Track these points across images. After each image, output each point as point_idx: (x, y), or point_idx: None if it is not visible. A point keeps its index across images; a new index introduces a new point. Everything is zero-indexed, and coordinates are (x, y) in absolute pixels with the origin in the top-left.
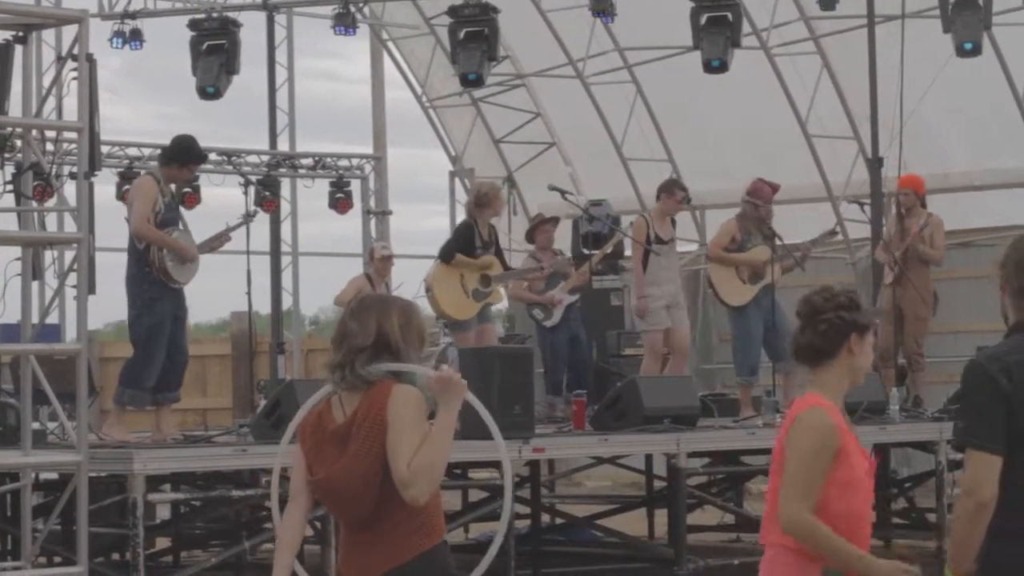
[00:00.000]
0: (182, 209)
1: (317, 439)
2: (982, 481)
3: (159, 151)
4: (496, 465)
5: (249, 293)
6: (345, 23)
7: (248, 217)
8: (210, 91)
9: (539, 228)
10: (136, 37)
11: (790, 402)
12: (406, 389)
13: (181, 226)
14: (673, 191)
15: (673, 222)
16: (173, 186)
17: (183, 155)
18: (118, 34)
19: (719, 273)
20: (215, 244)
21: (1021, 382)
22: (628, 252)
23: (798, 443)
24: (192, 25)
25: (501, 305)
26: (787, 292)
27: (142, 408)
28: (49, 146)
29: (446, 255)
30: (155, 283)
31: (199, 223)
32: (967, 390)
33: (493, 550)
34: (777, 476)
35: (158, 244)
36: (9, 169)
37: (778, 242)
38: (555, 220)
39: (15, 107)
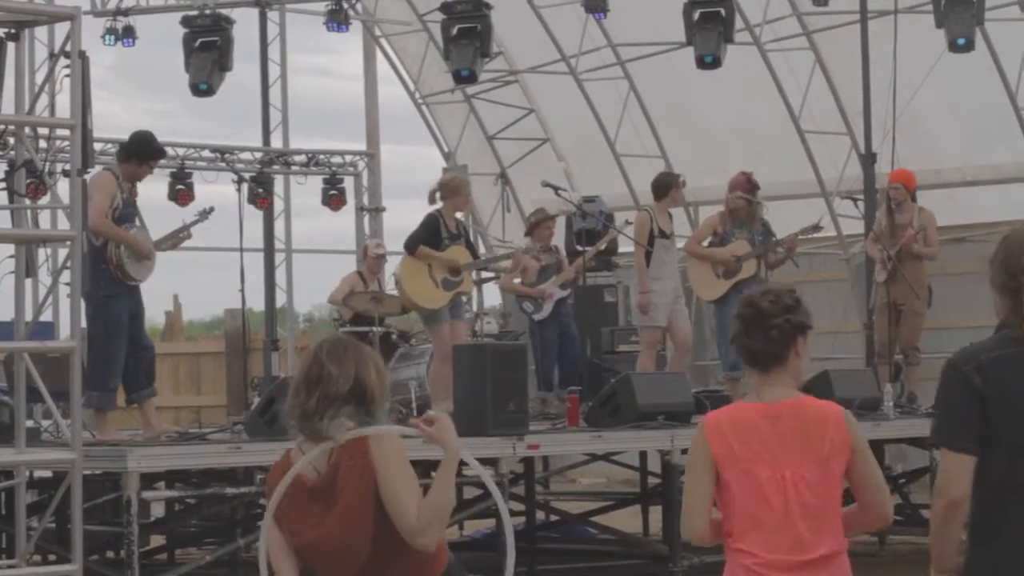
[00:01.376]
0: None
1: (293, 500)
2: (953, 480)
3: (117, 147)
4: (490, 462)
5: (243, 290)
6: (338, 20)
7: (204, 214)
8: (203, 88)
9: (542, 225)
10: (129, 34)
11: None
12: (388, 436)
13: (138, 223)
14: (678, 184)
15: (670, 215)
16: (130, 184)
17: (142, 151)
18: (111, 31)
19: (694, 268)
20: (173, 241)
21: (995, 380)
22: (622, 248)
23: (864, 438)
24: (185, 22)
25: (496, 301)
26: None
27: (111, 408)
28: (42, 143)
29: (410, 246)
30: (112, 280)
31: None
32: (941, 389)
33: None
34: (838, 482)
35: (115, 240)
36: (2, 166)
37: (773, 238)
38: (555, 217)
39: (7, 104)
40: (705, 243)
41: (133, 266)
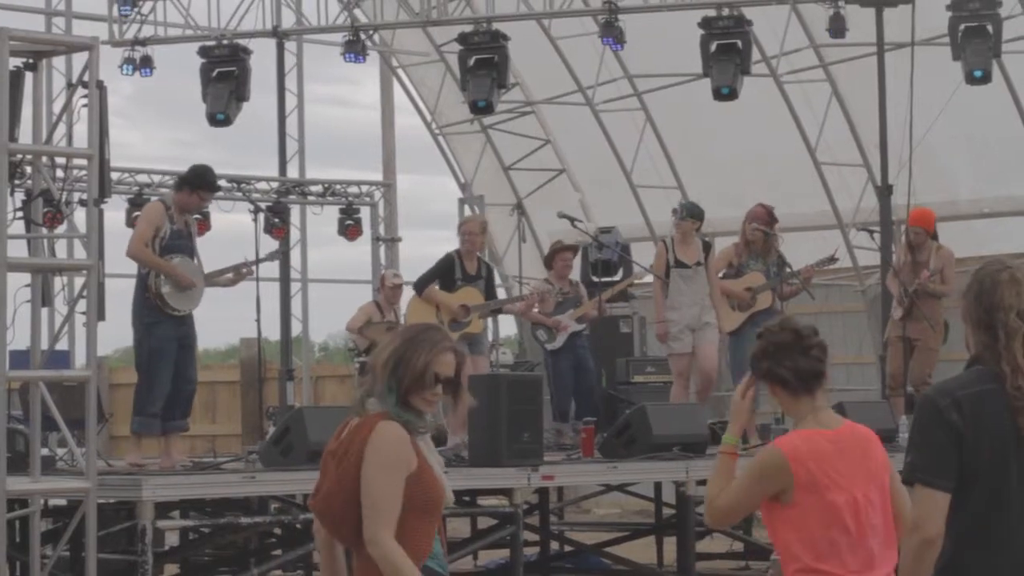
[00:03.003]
0: None
1: (325, 458)
2: (928, 517)
3: (170, 178)
4: (504, 492)
5: (258, 320)
6: (355, 50)
7: (272, 255)
8: (220, 118)
9: (557, 256)
10: (146, 64)
11: None
12: (387, 430)
13: (195, 259)
14: (676, 214)
15: (707, 246)
16: (188, 216)
17: (193, 181)
18: (128, 61)
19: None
20: (235, 276)
21: (972, 416)
22: (639, 280)
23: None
24: (202, 52)
25: (511, 331)
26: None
27: (152, 435)
28: (59, 172)
29: (418, 287)
30: (153, 308)
31: (209, 249)
32: (916, 424)
33: None
34: (888, 501)
35: (150, 267)
36: (19, 196)
37: (788, 269)
38: (574, 248)
39: (25, 134)
40: (720, 275)
41: (174, 296)
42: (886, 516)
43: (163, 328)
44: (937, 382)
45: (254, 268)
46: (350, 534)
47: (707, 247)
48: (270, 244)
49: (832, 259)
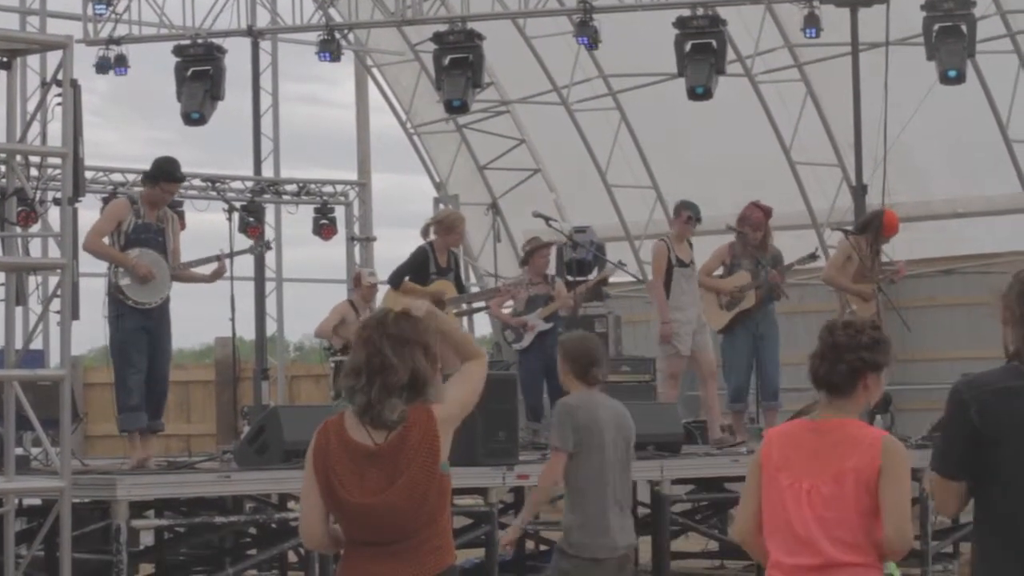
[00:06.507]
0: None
1: (350, 462)
2: (942, 503)
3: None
4: (479, 491)
5: (233, 319)
6: (330, 49)
7: (252, 249)
8: (195, 117)
9: (538, 253)
10: (121, 63)
11: None
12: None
13: (168, 255)
14: (680, 212)
15: (690, 244)
16: (160, 211)
17: (154, 174)
18: (103, 59)
19: (704, 298)
20: (207, 274)
21: (993, 413)
22: (616, 279)
23: (904, 468)
24: (177, 51)
25: (486, 331)
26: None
27: (136, 427)
28: (33, 171)
29: (394, 280)
30: (116, 302)
31: (184, 249)
32: (945, 414)
33: None
34: (870, 497)
35: (103, 258)
36: None
37: (784, 266)
38: (550, 245)
39: None
40: (717, 273)
41: (133, 289)
42: (846, 513)
43: (126, 321)
44: (970, 375)
45: (227, 262)
46: (412, 527)
47: (689, 245)
48: (244, 244)
49: (813, 256)
